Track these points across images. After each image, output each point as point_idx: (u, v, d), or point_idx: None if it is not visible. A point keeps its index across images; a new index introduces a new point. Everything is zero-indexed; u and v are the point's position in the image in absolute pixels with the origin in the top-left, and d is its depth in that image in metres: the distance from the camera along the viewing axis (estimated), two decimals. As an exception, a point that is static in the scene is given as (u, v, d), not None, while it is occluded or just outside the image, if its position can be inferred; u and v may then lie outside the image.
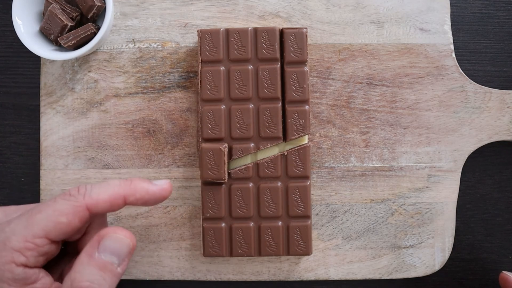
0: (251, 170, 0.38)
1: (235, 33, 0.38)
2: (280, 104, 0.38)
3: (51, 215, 0.28)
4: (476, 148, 0.41)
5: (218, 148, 0.37)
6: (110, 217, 0.40)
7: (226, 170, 0.37)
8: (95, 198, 0.29)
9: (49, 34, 0.39)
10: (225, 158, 0.37)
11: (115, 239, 0.28)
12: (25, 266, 0.27)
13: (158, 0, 0.41)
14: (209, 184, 0.38)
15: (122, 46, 0.41)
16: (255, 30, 0.39)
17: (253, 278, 0.41)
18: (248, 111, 0.38)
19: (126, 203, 0.30)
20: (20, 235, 0.27)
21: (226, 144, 0.38)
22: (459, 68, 0.41)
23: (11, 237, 0.27)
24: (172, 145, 0.41)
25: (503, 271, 0.37)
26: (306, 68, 0.38)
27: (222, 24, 0.41)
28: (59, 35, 0.39)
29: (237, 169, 0.38)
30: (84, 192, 0.29)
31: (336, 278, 0.40)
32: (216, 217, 0.38)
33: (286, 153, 0.38)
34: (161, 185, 0.31)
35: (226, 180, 0.38)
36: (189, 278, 0.41)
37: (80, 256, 0.27)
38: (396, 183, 0.41)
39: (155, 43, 0.41)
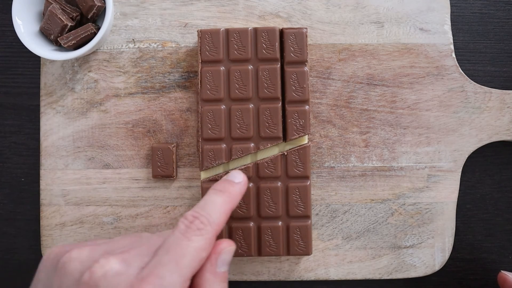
0: (251, 170, 0.38)
1: (235, 33, 0.38)
2: (280, 104, 0.38)
3: (196, 256, 0.29)
4: (476, 148, 0.41)
5: (167, 147, 0.39)
6: (110, 217, 0.40)
7: (174, 168, 0.40)
8: (218, 223, 0.30)
9: (49, 34, 0.39)
10: (174, 156, 0.39)
11: (228, 252, 0.31)
12: None
13: (158, 0, 0.41)
14: (160, 179, 0.38)
15: (122, 46, 0.41)
16: (255, 30, 0.39)
17: (253, 278, 0.40)
18: (248, 111, 0.38)
19: None
20: (178, 284, 0.28)
21: (175, 144, 0.40)
22: (459, 68, 0.41)
23: None
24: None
25: (501, 271, 0.37)
26: (306, 68, 0.38)
27: (222, 24, 0.41)
28: (59, 35, 0.39)
29: (237, 169, 0.38)
30: (208, 221, 0.30)
31: (336, 278, 0.40)
32: (216, 217, 0.38)
33: (286, 153, 0.38)
34: (243, 181, 0.34)
35: (175, 177, 0.40)
36: (189, 278, 0.40)
37: (205, 275, 0.30)
38: (396, 183, 0.41)
39: (155, 43, 0.41)
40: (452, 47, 0.41)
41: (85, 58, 0.41)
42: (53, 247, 0.30)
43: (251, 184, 0.38)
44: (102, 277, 0.27)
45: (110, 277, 0.27)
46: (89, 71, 0.41)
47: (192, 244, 0.29)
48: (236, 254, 0.38)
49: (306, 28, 0.38)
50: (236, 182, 0.34)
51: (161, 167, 0.40)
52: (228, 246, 0.31)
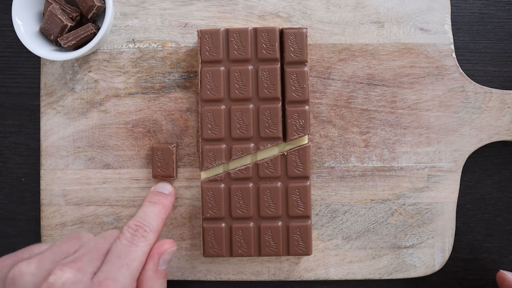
0: (251, 170, 0.38)
1: (235, 33, 0.38)
2: (280, 104, 0.38)
3: (143, 259, 0.32)
4: (476, 148, 0.41)
5: (167, 147, 0.39)
6: (110, 217, 0.41)
7: (174, 168, 0.40)
8: (158, 230, 0.34)
9: (49, 34, 0.39)
10: (174, 156, 0.40)
11: (170, 253, 0.33)
12: None
13: (158, 0, 0.41)
14: (158, 177, 0.38)
15: (122, 46, 0.41)
16: (255, 30, 0.38)
17: (253, 278, 0.41)
18: (248, 111, 0.38)
19: None
20: (130, 285, 0.31)
21: (175, 144, 0.40)
22: (459, 68, 0.41)
23: None
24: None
25: (500, 270, 0.37)
26: (306, 68, 0.38)
27: (222, 24, 0.41)
28: (59, 35, 0.39)
29: (237, 169, 0.38)
30: (150, 228, 0.33)
31: (336, 278, 0.40)
32: (216, 217, 0.38)
33: (286, 153, 0.38)
34: (172, 192, 0.40)
35: (175, 177, 0.40)
36: (189, 278, 0.41)
37: (147, 273, 0.32)
38: (396, 183, 0.41)
39: (155, 43, 0.41)
40: (452, 47, 0.41)
41: (85, 58, 0.41)
42: None
43: (251, 184, 0.38)
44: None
45: (68, 286, 0.28)
46: (89, 71, 0.41)
47: (140, 249, 0.32)
48: (236, 254, 0.38)
49: (306, 28, 0.38)
50: (167, 194, 0.38)
51: (161, 167, 0.40)
52: (170, 247, 0.33)
